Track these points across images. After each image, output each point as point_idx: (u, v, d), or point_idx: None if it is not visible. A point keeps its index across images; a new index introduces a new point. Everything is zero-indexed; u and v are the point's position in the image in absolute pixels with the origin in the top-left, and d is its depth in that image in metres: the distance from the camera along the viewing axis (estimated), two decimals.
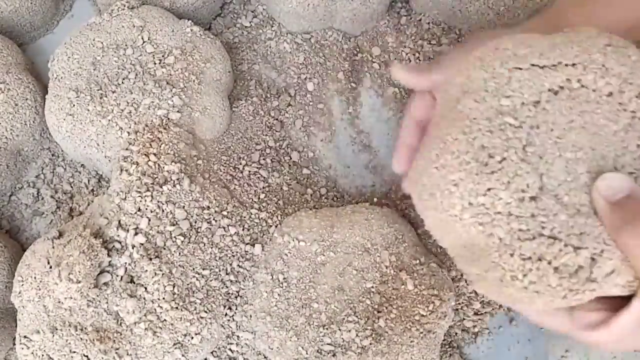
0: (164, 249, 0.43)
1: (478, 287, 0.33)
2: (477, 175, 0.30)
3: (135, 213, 0.44)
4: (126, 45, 0.49)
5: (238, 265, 0.46)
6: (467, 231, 0.31)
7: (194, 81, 0.49)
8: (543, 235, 0.29)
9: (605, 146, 0.31)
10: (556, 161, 0.30)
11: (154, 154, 0.45)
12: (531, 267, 0.29)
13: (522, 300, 0.31)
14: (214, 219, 0.46)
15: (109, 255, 0.42)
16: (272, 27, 0.58)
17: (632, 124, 0.31)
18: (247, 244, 0.46)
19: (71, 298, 0.41)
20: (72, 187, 0.53)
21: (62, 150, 0.53)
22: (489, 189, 0.30)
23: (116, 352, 0.42)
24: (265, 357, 0.46)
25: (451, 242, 0.33)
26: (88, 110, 0.47)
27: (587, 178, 0.30)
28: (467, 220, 0.31)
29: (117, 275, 0.42)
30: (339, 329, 0.44)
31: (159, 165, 0.45)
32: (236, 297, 0.45)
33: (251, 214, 0.48)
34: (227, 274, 0.45)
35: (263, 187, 0.50)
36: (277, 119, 0.54)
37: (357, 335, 0.43)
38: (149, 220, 0.44)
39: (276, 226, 0.48)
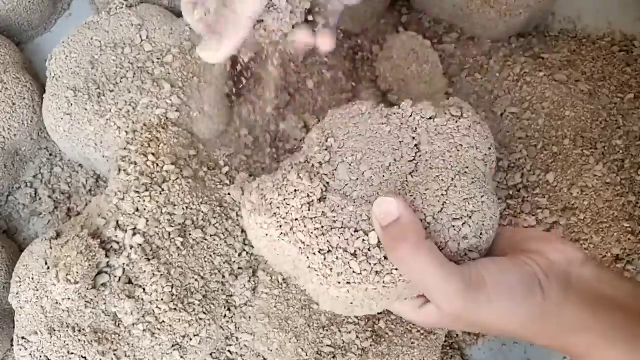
0: (163, 249, 0.43)
1: (324, 305, 0.36)
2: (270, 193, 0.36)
3: (134, 213, 0.43)
4: (124, 44, 0.49)
5: (237, 266, 0.46)
6: (282, 247, 0.35)
7: (192, 80, 0.49)
8: (335, 228, 0.33)
9: (380, 145, 0.36)
10: (339, 166, 0.36)
11: (153, 154, 0.45)
12: (333, 258, 0.33)
13: (345, 300, 0.34)
14: (213, 220, 0.45)
15: (107, 256, 0.42)
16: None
17: (402, 123, 0.37)
18: (247, 244, 0.46)
19: (69, 299, 0.41)
20: (69, 187, 0.53)
21: (60, 150, 0.53)
22: (283, 200, 0.35)
23: (114, 354, 0.41)
24: (264, 359, 0.46)
25: (284, 268, 0.38)
26: (86, 109, 0.47)
27: (370, 174, 0.35)
28: (275, 235, 0.35)
29: (115, 276, 0.42)
30: (339, 331, 0.43)
31: (157, 165, 0.45)
32: (235, 299, 0.45)
33: None
34: (226, 275, 0.45)
35: None
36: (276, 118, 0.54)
37: (357, 336, 0.43)
38: (147, 220, 0.43)
39: None
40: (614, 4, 0.60)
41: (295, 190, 0.35)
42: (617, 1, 0.60)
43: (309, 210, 0.34)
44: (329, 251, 0.33)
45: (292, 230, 0.34)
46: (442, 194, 0.34)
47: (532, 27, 0.59)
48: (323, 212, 0.34)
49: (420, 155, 0.36)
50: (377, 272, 0.33)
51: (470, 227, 0.34)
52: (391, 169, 0.36)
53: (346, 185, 0.35)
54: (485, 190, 0.35)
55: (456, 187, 0.34)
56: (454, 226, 0.33)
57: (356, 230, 0.33)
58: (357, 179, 0.35)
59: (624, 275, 0.35)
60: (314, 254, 0.33)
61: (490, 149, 0.38)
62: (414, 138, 0.37)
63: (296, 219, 0.34)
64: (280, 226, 0.35)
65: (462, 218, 0.34)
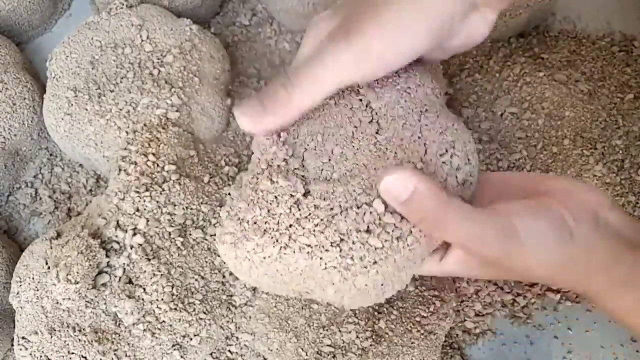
0: (163, 249, 0.43)
1: (352, 304, 0.33)
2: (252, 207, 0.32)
3: (134, 213, 0.43)
4: (124, 44, 0.49)
5: None
6: (286, 263, 0.31)
7: (192, 80, 0.49)
8: (336, 214, 0.31)
9: (333, 119, 0.34)
10: (305, 155, 0.33)
11: (153, 154, 0.45)
12: (349, 245, 0.30)
13: (375, 283, 0.31)
14: (213, 220, 0.45)
15: (107, 256, 0.42)
16: (272, 25, 0.57)
17: (344, 91, 0.34)
18: None
19: (69, 299, 0.41)
20: (70, 187, 0.53)
21: (60, 150, 0.53)
22: (267, 212, 0.31)
23: (114, 353, 0.41)
24: (264, 359, 0.46)
25: (292, 288, 0.34)
26: (86, 109, 0.47)
27: (339, 149, 0.33)
28: (275, 253, 0.31)
29: (116, 276, 0.42)
30: (339, 330, 0.43)
31: (157, 165, 0.45)
32: (235, 298, 0.45)
33: None
34: (226, 275, 0.45)
35: None
36: None
37: (357, 336, 0.43)
38: (148, 220, 0.43)
39: None
40: (613, 4, 0.60)
41: (276, 197, 0.32)
42: (617, 1, 0.60)
43: (299, 209, 0.31)
44: (342, 240, 0.30)
45: (292, 238, 0.31)
46: (419, 137, 0.33)
47: (532, 27, 0.59)
48: (315, 205, 0.31)
49: (376, 113, 0.34)
50: (398, 238, 0.30)
51: (458, 156, 0.32)
52: (356, 136, 0.33)
53: (322, 170, 0.33)
54: (451, 117, 0.34)
55: (427, 126, 0.33)
56: (443, 162, 0.32)
57: (358, 207, 0.31)
58: (330, 159, 0.33)
59: None
60: (327, 250, 0.30)
61: (432, 81, 0.36)
62: (361, 100, 0.34)
63: (290, 225, 0.31)
64: (277, 240, 0.31)
65: (447, 151, 0.32)
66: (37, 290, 0.42)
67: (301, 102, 0.32)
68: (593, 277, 0.32)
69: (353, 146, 0.33)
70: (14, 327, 0.44)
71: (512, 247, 0.31)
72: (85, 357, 0.41)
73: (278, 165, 0.33)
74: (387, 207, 0.31)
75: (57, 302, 0.41)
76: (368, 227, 0.30)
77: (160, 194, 0.44)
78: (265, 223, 0.31)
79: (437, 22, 0.32)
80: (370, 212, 0.31)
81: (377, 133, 0.33)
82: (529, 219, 0.31)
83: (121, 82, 0.48)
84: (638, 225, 0.33)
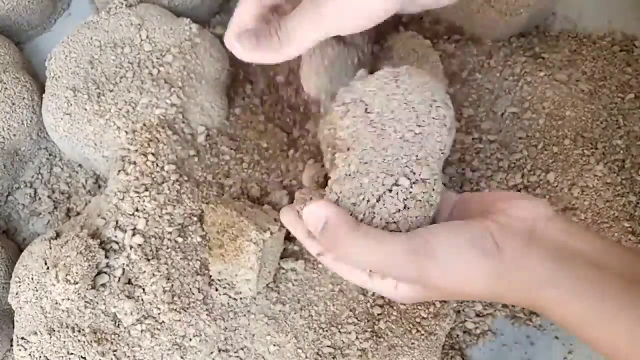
0: (162, 249, 0.43)
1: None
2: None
3: (133, 213, 0.43)
4: (124, 43, 0.49)
5: None
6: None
7: (192, 80, 0.49)
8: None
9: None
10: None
11: (152, 154, 0.45)
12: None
13: None
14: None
15: (106, 256, 0.42)
16: None
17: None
18: None
19: (68, 299, 0.41)
20: (69, 187, 0.53)
21: (59, 150, 0.53)
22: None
23: (114, 354, 0.41)
24: (264, 359, 0.46)
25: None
26: (85, 109, 0.47)
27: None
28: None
29: (115, 277, 0.42)
30: (339, 331, 0.43)
31: (157, 165, 0.45)
32: (235, 299, 0.45)
33: None
34: (226, 275, 0.45)
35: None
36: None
37: (356, 337, 0.43)
38: (147, 220, 0.43)
39: None
40: (614, 4, 0.59)
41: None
42: (618, 1, 0.60)
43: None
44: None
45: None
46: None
47: (533, 27, 0.59)
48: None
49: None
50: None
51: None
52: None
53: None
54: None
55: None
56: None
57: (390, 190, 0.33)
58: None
59: (594, 231, 0.35)
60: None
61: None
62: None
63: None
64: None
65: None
66: (36, 290, 0.42)
67: (289, 52, 0.37)
68: (535, 291, 0.32)
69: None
70: (13, 327, 0.44)
71: (426, 264, 0.31)
72: (84, 358, 0.41)
73: None
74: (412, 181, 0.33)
75: (56, 303, 0.41)
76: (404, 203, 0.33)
77: (160, 193, 0.44)
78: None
79: None
80: (402, 190, 0.33)
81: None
82: (445, 236, 0.32)
83: (120, 81, 0.48)
84: (583, 234, 0.32)
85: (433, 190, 0.34)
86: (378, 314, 0.44)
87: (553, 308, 0.32)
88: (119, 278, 0.42)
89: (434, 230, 0.33)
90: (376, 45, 0.57)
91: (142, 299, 0.42)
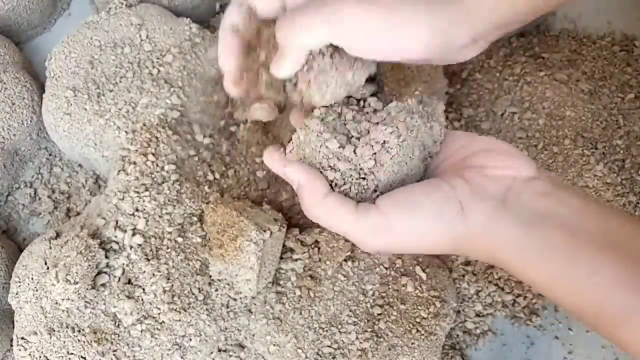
0: (162, 249, 0.43)
1: None
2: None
3: (133, 213, 0.43)
4: (124, 43, 0.49)
5: None
6: None
7: (192, 80, 0.49)
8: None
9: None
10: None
11: (152, 154, 0.45)
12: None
13: None
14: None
15: (106, 256, 0.42)
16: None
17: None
18: None
19: (68, 299, 0.41)
20: (69, 187, 0.53)
21: (59, 150, 0.53)
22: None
23: (114, 354, 0.41)
24: (264, 359, 0.46)
25: None
26: (85, 109, 0.47)
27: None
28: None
29: (115, 277, 0.42)
30: (339, 331, 0.43)
31: (157, 165, 0.45)
32: (235, 299, 0.45)
33: None
34: (226, 275, 0.45)
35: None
36: None
37: (356, 337, 0.43)
38: (147, 220, 0.43)
39: None
40: (614, 4, 0.59)
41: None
42: (618, 1, 0.60)
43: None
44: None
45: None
46: None
47: (533, 27, 0.59)
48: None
49: None
50: None
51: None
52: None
53: None
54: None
55: None
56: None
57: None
58: None
59: (580, 191, 0.35)
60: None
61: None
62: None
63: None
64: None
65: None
66: (36, 290, 0.42)
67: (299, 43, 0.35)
68: (499, 253, 0.32)
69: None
70: (13, 327, 0.44)
71: (386, 239, 0.33)
72: (84, 358, 0.41)
73: None
74: None
75: (56, 303, 0.41)
76: None
77: (160, 193, 0.44)
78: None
79: (437, 40, 0.32)
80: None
81: None
82: (405, 210, 0.33)
83: (120, 81, 0.48)
84: (560, 193, 0.32)
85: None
86: (378, 314, 0.44)
87: (517, 268, 0.32)
88: (119, 278, 0.42)
89: (395, 196, 0.33)
90: None
91: (142, 299, 0.42)
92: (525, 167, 0.33)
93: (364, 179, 0.34)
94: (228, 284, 0.44)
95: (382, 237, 0.33)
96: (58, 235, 0.44)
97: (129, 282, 0.42)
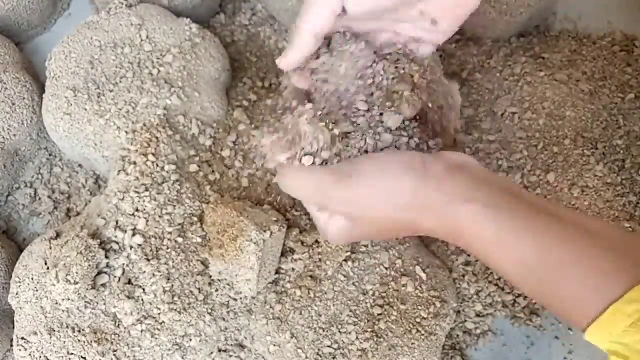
0: (162, 249, 0.43)
1: None
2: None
3: (133, 213, 0.43)
4: (124, 43, 0.49)
5: None
6: None
7: (192, 80, 0.49)
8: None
9: None
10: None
11: (152, 154, 0.45)
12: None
13: None
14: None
15: (106, 256, 0.42)
16: (272, 25, 0.57)
17: None
18: None
19: (68, 299, 0.41)
20: (69, 187, 0.53)
21: (59, 150, 0.53)
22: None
23: (114, 354, 0.41)
24: (264, 359, 0.46)
25: None
26: (85, 109, 0.47)
27: None
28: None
29: (115, 277, 0.42)
30: (339, 331, 0.43)
31: (157, 165, 0.45)
32: (235, 299, 0.45)
33: None
34: (226, 275, 0.45)
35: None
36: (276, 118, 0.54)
37: (356, 337, 0.43)
38: (147, 220, 0.43)
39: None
40: (614, 4, 0.59)
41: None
42: (618, 1, 0.60)
43: None
44: None
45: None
46: None
47: (533, 27, 0.59)
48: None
49: None
50: None
51: None
52: None
53: None
54: None
55: None
56: None
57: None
58: None
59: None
60: None
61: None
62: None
63: None
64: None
65: None
66: (36, 290, 0.42)
67: (310, 28, 0.37)
68: (452, 208, 0.33)
69: None
70: (13, 327, 0.44)
71: (355, 182, 0.34)
72: (84, 358, 0.41)
73: None
74: None
75: (56, 303, 0.41)
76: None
77: (160, 194, 0.44)
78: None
79: None
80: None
81: None
82: (374, 158, 0.35)
83: (120, 81, 0.48)
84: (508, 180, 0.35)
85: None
86: (378, 314, 0.44)
87: (466, 227, 0.33)
88: (119, 278, 0.42)
89: (363, 157, 0.36)
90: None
91: (142, 299, 0.42)
92: (471, 160, 0.36)
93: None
94: (228, 284, 0.44)
95: (350, 181, 0.34)
96: (58, 235, 0.44)
97: (129, 282, 0.42)
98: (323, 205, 0.37)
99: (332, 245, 0.45)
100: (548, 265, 0.31)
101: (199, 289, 0.43)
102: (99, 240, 0.42)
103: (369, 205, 0.35)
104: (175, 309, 0.42)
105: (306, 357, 0.43)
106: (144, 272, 0.42)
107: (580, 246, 0.30)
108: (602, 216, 0.49)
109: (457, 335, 0.50)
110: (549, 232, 0.31)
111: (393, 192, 0.34)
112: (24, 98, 0.51)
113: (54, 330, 0.41)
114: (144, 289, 0.42)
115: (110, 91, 0.47)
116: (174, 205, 0.44)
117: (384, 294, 0.45)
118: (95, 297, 0.42)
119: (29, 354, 0.41)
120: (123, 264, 0.42)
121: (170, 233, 0.44)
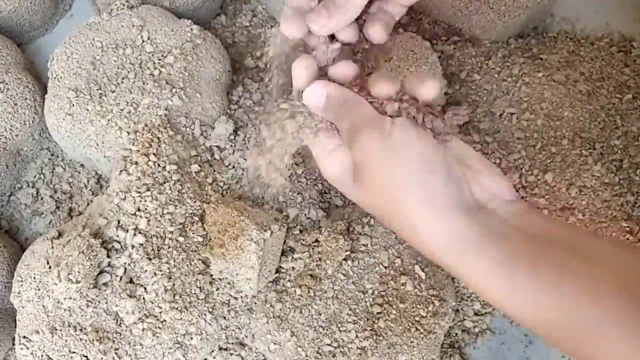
0: (164, 249, 0.43)
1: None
2: None
3: (135, 213, 0.44)
4: (125, 44, 0.49)
5: None
6: None
7: (193, 81, 0.49)
8: None
9: None
10: None
11: (154, 154, 0.45)
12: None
13: None
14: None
15: (108, 256, 0.42)
16: (272, 26, 0.57)
17: None
18: None
19: (70, 298, 0.41)
20: (71, 187, 0.53)
21: (61, 150, 0.53)
22: None
23: (115, 353, 0.41)
24: (264, 358, 0.46)
25: None
26: (87, 110, 0.47)
27: None
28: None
29: (117, 276, 0.42)
30: (339, 330, 0.44)
31: (158, 165, 0.45)
32: (236, 298, 0.45)
33: None
34: (227, 275, 0.45)
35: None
36: None
37: (356, 336, 0.43)
38: (149, 220, 0.44)
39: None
40: (612, 5, 0.60)
41: None
42: (616, 2, 0.60)
43: None
44: None
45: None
46: None
47: (531, 28, 0.59)
48: None
49: None
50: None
51: None
52: None
53: None
54: None
55: None
56: None
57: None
58: None
59: (559, 221, 0.35)
60: None
61: None
62: None
63: None
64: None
65: None
66: (39, 289, 0.42)
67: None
68: (465, 255, 0.31)
69: None
70: (15, 326, 0.44)
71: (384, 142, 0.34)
72: (86, 357, 0.41)
73: None
74: None
75: (59, 302, 0.42)
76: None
77: (161, 193, 0.44)
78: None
79: None
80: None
81: None
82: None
83: (122, 82, 0.48)
84: (534, 219, 0.32)
85: None
86: (377, 313, 0.44)
87: (480, 280, 0.31)
88: (121, 277, 0.42)
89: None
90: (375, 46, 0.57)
91: (143, 298, 0.42)
92: (506, 191, 0.34)
93: None
94: (229, 283, 0.44)
95: (383, 122, 0.34)
96: (60, 234, 0.44)
97: (131, 281, 0.43)
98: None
99: (331, 245, 0.45)
100: (577, 326, 0.28)
101: (200, 288, 0.44)
102: (100, 240, 0.43)
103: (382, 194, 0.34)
104: (177, 308, 0.42)
105: (306, 356, 0.43)
106: (146, 271, 0.42)
107: (611, 302, 0.27)
108: (599, 216, 0.49)
109: (456, 334, 0.50)
110: (574, 289, 0.28)
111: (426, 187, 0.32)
112: (26, 99, 0.51)
113: (56, 329, 0.41)
114: (145, 288, 0.42)
115: (112, 92, 0.48)
116: (176, 205, 0.45)
117: (383, 293, 0.45)
118: (97, 296, 0.42)
119: (31, 353, 0.42)
120: (125, 263, 0.43)
121: (171, 232, 0.44)
